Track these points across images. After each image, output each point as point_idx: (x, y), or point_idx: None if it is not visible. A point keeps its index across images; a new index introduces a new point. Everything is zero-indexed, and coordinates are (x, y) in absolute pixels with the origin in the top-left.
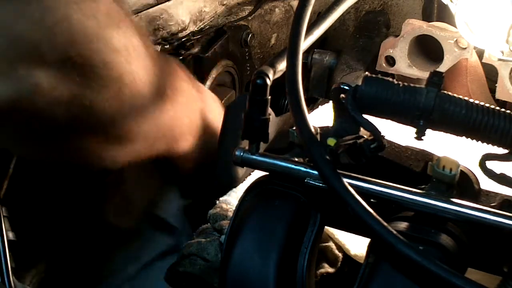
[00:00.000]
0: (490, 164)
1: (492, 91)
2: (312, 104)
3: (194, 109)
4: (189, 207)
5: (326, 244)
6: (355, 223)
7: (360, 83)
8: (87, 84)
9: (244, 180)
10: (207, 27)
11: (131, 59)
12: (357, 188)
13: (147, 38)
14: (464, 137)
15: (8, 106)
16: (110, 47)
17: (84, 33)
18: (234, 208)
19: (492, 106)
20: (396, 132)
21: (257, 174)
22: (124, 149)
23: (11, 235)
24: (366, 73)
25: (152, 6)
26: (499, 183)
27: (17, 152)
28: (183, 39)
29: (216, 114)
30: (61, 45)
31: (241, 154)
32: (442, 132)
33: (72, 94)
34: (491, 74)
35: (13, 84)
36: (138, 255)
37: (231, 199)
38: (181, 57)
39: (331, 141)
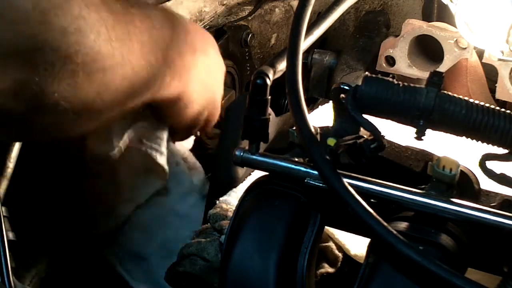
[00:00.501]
0: (490, 164)
1: (492, 91)
2: (312, 104)
3: (173, 57)
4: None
5: (326, 244)
6: (355, 223)
7: (360, 83)
8: (35, 70)
9: (244, 180)
10: (207, 27)
11: (83, 36)
12: (357, 188)
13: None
14: (464, 137)
15: None
16: (55, 29)
17: (24, 18)
18: (234, 208)
19: (492, 106)
20: (396, 132)
21: (257, 174)
22: (91, 119)
23: (11, 235)
24: (366, 73)
25: None
26: (499, 183)
27: None
28: None
29: (205, 51)
30: (1, 31)
31: (241, 154)
32: (442, 132)
33: (18, 83)
34: (491, 74)
35: None
36: (131, 196)
37: (231, 199)
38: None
39: (331, 141)
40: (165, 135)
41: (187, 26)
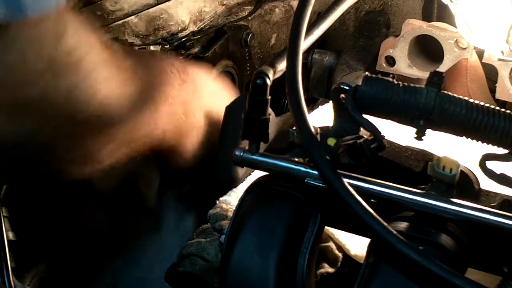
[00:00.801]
0: (490, 164)
1: (492, 91)
2: (312, 104)
3: (182, 111)
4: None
5: (326, 244)
6: (355, 223)
7: (360, 83)
8: (45, 121)
9: (244, 180)
10: (207, 27)
11: (95, 89)
12: (357, 188)
13: (120, 52)
14: (464, 137)
15: None
16: (68, 84)
17: (39, 73)
18: (234, 208)
19: (492, 106)
20: (396, 132)
21: (257, 174)
22: (95, 167)
23: (11, 235)
24: (366, 73)
25: (152, 6)
26: (499, 183)
27: None
28: (183, 39)
29: (215, 109)
30: (14, 88)
31: (241, 154)
32: (442, 132)
33: (28, 132)
34: (491, 74)
35: None
36: (116, 232)
37: (231, 199)
38: (181, 57)
39: (331, 141)
40: (157, 181)
41: (197, 81)
